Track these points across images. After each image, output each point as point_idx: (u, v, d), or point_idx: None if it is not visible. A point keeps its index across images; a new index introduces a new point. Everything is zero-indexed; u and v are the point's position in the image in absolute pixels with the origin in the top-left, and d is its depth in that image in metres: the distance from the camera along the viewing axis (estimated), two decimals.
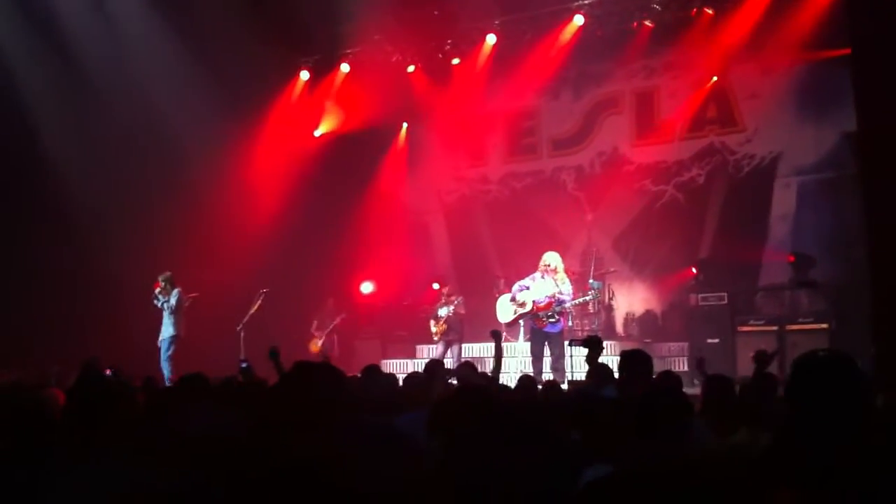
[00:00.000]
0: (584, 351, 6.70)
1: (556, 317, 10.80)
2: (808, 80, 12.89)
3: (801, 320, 11.70)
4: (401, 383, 6.24)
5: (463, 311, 12.80)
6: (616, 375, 5.99)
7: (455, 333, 12.74)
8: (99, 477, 3.06)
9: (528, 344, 11.28)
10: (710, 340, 12.09)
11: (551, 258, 11.02)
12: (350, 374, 10.16)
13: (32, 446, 3.35)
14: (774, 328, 11.77)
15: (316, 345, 14.16)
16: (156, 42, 13.02)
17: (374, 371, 6.14)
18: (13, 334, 11.63)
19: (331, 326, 14.20)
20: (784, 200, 13.36)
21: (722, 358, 11.66)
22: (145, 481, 3.09)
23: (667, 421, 3.49)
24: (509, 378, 9.68)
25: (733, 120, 13.81)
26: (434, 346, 13.21)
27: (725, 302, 12.26)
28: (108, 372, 6.66)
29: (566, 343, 10.23)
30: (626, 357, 5.70)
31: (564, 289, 10.89)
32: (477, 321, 13.42)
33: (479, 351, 13.37)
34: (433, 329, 12.91)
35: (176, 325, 11.76)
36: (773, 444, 3.02)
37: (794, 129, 13.14)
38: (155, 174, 13.19)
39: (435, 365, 7.20)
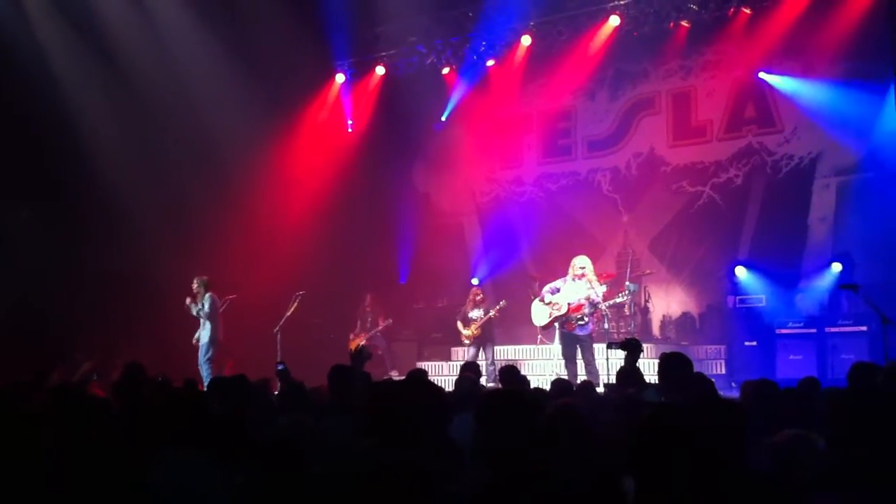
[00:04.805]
0: (621, 354, 6.66)
1: (585, 319, 10.70)
2: (848, 79, 12.72)
3: (840, 322, 11.58)
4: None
5: (498, 315, 12.72)
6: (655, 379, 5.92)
7: (487, 335, 12.67)
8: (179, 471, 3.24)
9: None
10: (747, 343, 12.01)
11: (581, 262, 10.90)
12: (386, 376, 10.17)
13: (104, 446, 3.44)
14: (813, 330, 11.67)
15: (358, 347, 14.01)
16: (197, 43, 13.15)
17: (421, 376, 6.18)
18: (55, 332, 11.79)
19: (374, 331, 14.02)
20: (824, 201, 13.18)
21: (760, 361, 11.59)
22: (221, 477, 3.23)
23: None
24: (544, 381, 9.65)
25: (771, 120, 13.59)
26: (467, 348, 13.14)
27: (763, 304, 12.16)
28: (158, 378, 6.75)
29: (605, 346, 10.13)
30: (666, 360, 5.57)
31: (598, 290, 10.78)
32: (511, 323, 13.41)
33: (513, 354, 13.34)
34: (463, 331, 12.78)
35: (213, 329, 11.69)
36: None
37: (833, 128, 12.93)
38: (195, 175, 13.34)
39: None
